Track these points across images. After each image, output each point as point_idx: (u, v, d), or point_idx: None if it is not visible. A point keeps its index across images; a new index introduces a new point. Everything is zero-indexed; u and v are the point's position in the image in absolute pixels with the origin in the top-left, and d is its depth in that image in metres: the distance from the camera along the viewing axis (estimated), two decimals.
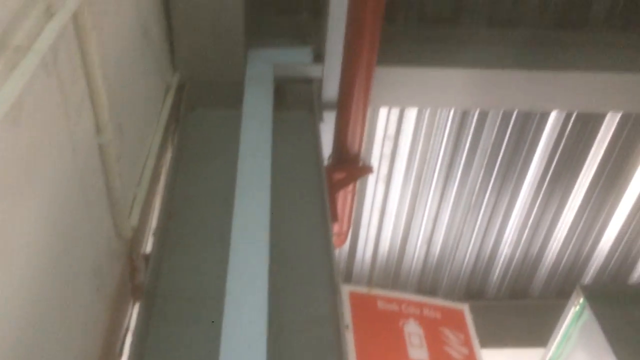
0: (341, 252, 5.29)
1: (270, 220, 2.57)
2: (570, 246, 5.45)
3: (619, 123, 4.55)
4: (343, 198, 3.79)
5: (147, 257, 2.57)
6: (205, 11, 3.08)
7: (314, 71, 3.49)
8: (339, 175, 3.63)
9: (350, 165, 3.67)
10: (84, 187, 1.91)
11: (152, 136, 2.87)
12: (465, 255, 5.49)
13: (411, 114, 4.43)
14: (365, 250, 5.36)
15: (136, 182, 2.64)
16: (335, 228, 3.91)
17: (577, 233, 5.34)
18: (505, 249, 5.47)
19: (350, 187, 3.76)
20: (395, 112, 4.40)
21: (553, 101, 4.10)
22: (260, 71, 3.38)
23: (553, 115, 4.51)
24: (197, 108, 3.34)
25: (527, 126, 4.57)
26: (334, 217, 3.27)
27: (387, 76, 3.69)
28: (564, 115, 4.50)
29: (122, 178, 2.28)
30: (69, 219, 1.79)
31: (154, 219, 2.88)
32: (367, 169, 3.77)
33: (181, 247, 2.59)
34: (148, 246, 2.82)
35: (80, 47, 1.76)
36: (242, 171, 2.80)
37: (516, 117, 4.50)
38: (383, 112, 4.38)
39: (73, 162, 1.81)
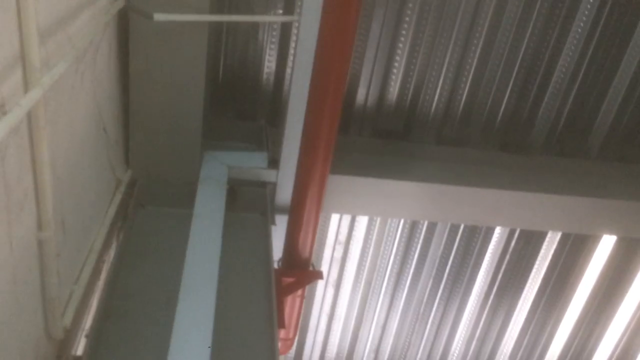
0: (286, 358, 5.11)
1: (214, 325, 2.48)
2: (517, 359, 5.44)
3: (559, 242, 4.75)
4: (291, 303, 3.73)
5: None
6: (164, 111, 3.15)
7: (268, 176, 3.55)
8: (288, 280, 3.60)
9: (300, 270, 3.65)
10: (15, 284, 1.83)
11: (97, 232, 2.81)
12: None
13: (362, 221, 4.51)
14: (311, 356, 5.20)
15: (74, 279, 2.54)
16: (282, 334, 3.81)
17: (523, 345, 5.36)
18: None
19: (300, 292, 3.71)
20: (347, 218, 4.48)
21: (496, 218, 4.27)
22: (215, 172, 3.42)
23: (497, 231, 4.67)
24: (147, 206, 3.31)
25: (474, 240, 4.70)
26: (281, 324, 3.19)
27: (339, 184, 3.79)
28: (507, 231, 4.67)
29: (59, 275, 2.20)
30: None
31: (89, 319, 2.74)
32: (317, 275, 3.75)
33: (115, 351, 2.45)
34: (80, 348, 2.66)
35: (31, 143, 1.76)
36: (187, 272, 2.74)
37: (463, 230, 4.65)
38: (335, 217, 4.46)
39: (8, 257, 1.74)
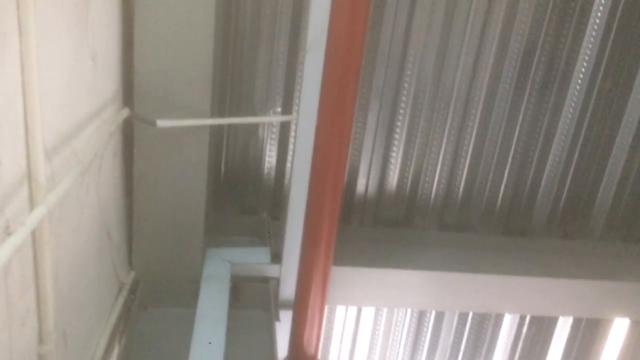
0: None
1: None
2: None
3: (572, 326, 4.63)
4: None
5: None
6: (167, 212, 3.19)
7: (271, 271, 3.54)
8: None
9: None
10: None
11: (98, 339, 2.77)
12: None
13: (369, 312, 4.43)
14: None
15: None
16: None
17: None
18: None
19: None
20: (353, 310, 4.41)
21: (503, 304, 4.20)
22: (218, 270, 3.42)
23: (508, 317, 4.57)
24: (150, 308, 3.28)
25: (484, 327, 4.60)
26: None
27: (343, 276, 3.76)
28: (518, 317, 4.57)
29: None
30: None
31: None
32: None
33: None
34: None
35: (35, 259, 1.78)
36: None
37: (472, 318, 4.55)
38: (341, 309, 4.38)
39: None
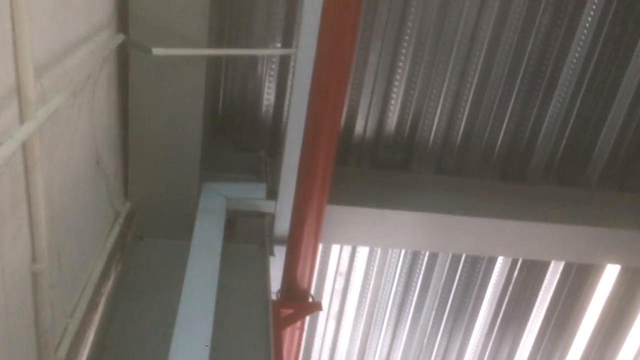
0: None
1: (210, 357, 2.45)
2: None
3: (562, 271, 4.70)
4: (290, 335, 3.69)
5: None
6: (162, 143, 3.18)
7: (266, 206, 3.56)
8: (286, 312, 3.56)
9: (298, 301, 3.62)
10: (7, 315, 1.82)
11: (94, 264, 2.81)
12: None
13: (363, 252, 4.49)
14: None
15: (70, 312, 2.53)
16: None
17: None
18: None
19: (299, 323, 3.67)
20: (347, 249, 4.46)
21: (497, 248, 4.25)
22: (213, 204, 3.43)
23: (500, 261, 4.63)
24: (145, 238, 3.31)
25: (476, 270, 4.66)
26: (279, 356, 3.15)
27: (338, 215, 3.79)
28: (510, 261, 4.63)
29: (53, 308, 2.19)
30: None
31: (86, 352, 2.72)
32: (316, 306, 3.72)
33: None
34: None
35: (26, 175, 1.78)
36: (184, 304, 2.72)
37: (465, 260, 4.61)
38: (335, 249, 4.44)
39: (0, 289, 1.74)
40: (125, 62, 2.97)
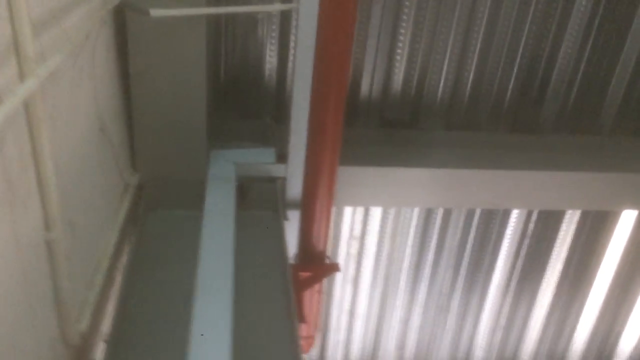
0: (309, 357, 5.02)
1: (233, 325, 2.41)
2: (544, 346, 5.31)
3: (579, 221, 4.64)
4: (310, 298, 3.66)
5: None
6: (167, 110, 3.10)
7: (277, 171, 3.49)
8: (305, 275, 3.52)
9: (316, 264, 3.58)
10: (26, 285, 1.77)
11: (108, 237, 2.75)
12: None
13: (376, 214, 4.43)
14: (335, 355, 5.10)
15: (88, 284, 2.49)
16: (303, 331, 3.73)
17: (550, 330, 5.23)
18: (478, 352, 5.28)
19: (317, 286, 3.64)
20: (360, 211, 4.40)
21: (511, 200, 4.18)
22: (223, 171, 3.36)
23: (515, 214, 4.57)
24: (157, 209, 3.25)
25: (491, 224, 4.61)
26: (301, 319, 3.11)
27: (349, 176, 3.72)
28: (525, 213, 4.57)
29: (71, 279, 2.14)
30: (6, 323, 1.63)
31: (107, 324, 2.68)
32: (333, 267, 3.68)
33: (136, 355, 2.39)
34: (98, 354, 2.60)
35: (31, 137, 1.71)
36: (202, 273, 2.67)
37: (479, 216, 4.55)
38: (348, 211, 4.38)
39: (16, 257, 1.68)
40: (123, 27, 2.87)
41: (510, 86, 4.24)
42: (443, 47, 4.03)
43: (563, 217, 4.64)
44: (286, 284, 2.92)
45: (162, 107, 3.09)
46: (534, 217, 4.60)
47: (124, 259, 3.02)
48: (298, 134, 3.38)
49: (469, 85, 4.20)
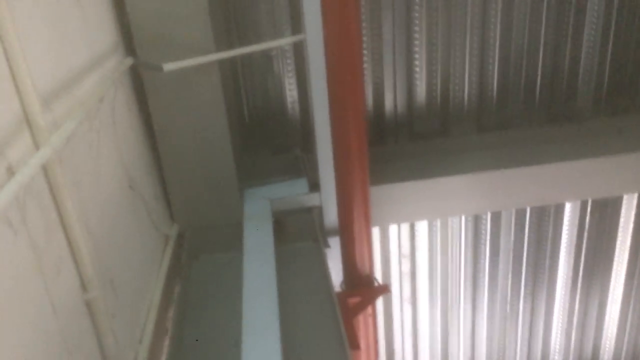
0: None
1: (284, 357, 2.39)
2: (625, 342, 4.99)
3: (638, 204, 4.39)
4: (364, 323, 3.58)
5: None
6: (195, 158, 3.17)
7: (311, 200, 3.48)
8: (354, 300, 3.46)
9: (363, 288, 3.51)
10: (67, 349, 1.81)
11: (153, 289, 2.80)
12: None
13: (422, 227, 4.34)
14: None
15: (138, 339, 2.52)
16: (362, 358, 3.64)
17: (628, 326, 4.92)
18: (556, 357, 5.02)
19: (369, 310, 3.56)
20: (405, 228, 4.32)
21: (561, 193, 4.00)
22: (258, 208, 3.39)
23: (568, 207, 4.38)
24: (200, 255, 3.30)
25: (544, 222, 4.43)
26: (354, 345, 3.04)
27: (385, 194, 3.67)
28: (579, 205, 4.37)
29: (117, 336, 2.18)
30: None
31: None
32: (382, 289, 3.61)
33: None
34: None
35: (55, 202, 1.77)
36: (246, 313, 2.67)
37: (530, 214, 4.38)
38: (393, 230, 4.31)
39: (52, 322, 1.73)
40: (141, 87, 2.98)
41: (539, 77, 4.12)
42: (461, 51, 3.98)
43: (621, 202, 4.40)
44: (334, 311, 2.87)
45: (190, 156, 3.17)
46: (589, 207, 4.39)
47: (172, 309, 3.06)
48: (325, 161, 3.38)
49: (494, 84, 4.11)
